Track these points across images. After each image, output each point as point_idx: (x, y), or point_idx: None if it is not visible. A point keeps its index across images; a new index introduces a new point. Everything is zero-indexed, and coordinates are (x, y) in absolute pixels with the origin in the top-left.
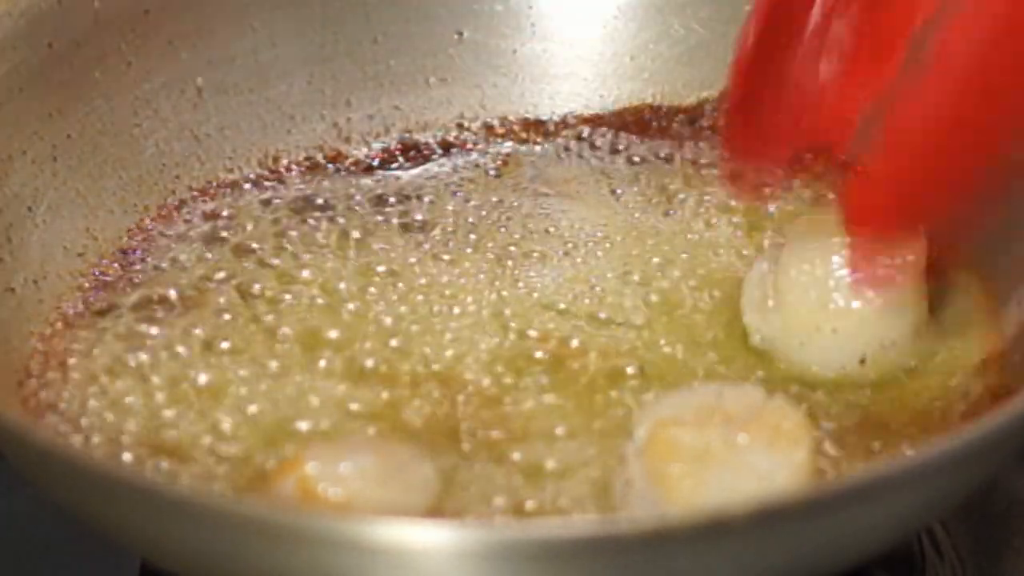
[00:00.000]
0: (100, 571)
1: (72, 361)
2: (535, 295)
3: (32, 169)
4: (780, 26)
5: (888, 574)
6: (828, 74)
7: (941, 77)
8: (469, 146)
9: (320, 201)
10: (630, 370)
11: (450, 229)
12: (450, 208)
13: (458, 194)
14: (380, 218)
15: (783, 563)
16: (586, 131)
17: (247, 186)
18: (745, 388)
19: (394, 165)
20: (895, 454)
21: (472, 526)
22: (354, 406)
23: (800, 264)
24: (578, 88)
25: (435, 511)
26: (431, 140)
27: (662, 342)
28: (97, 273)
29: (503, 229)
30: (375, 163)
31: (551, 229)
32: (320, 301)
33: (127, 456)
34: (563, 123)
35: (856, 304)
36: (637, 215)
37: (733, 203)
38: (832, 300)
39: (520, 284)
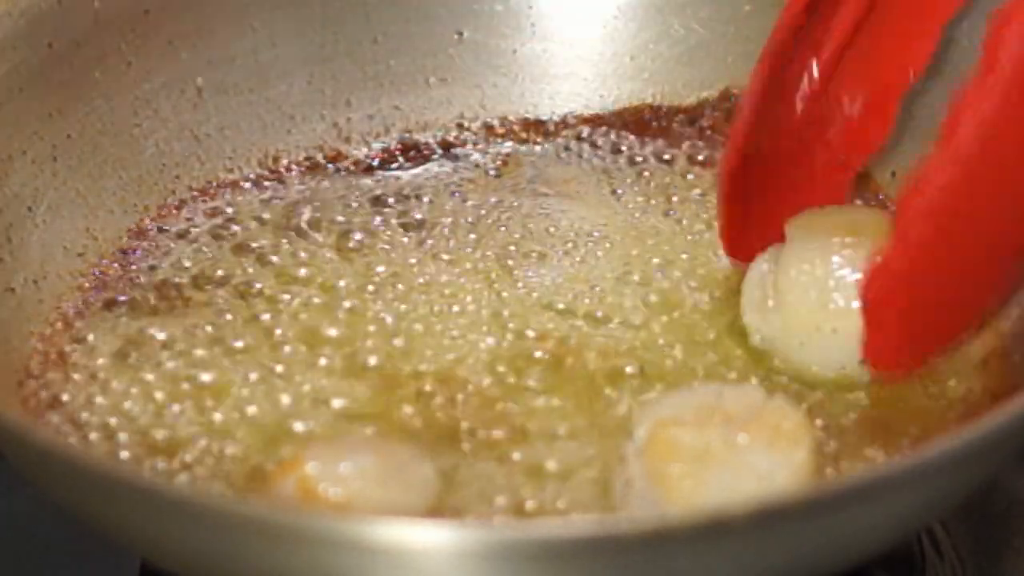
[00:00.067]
0: (100, 571)
1: (72, 361)
2: (535, 295)
3: (32, 169)
4: (773, 104)
5: (888, 574)
6: (821, 143)
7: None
8: (469, 146)
9: (320, 201)
10: (630, 370)
11: (450, 229)
12: (450, 208)
13: (458, 194)
14: (380, 218)
15: (783, 563)
16: (586, 131)
17: (247, 186)
18: (745, 388)
19: (394, 165)
20: (895, 454)
21: (472, 526)
22: (354, 406)
23: (800, 264)
24: (578, 88)
25: (435, 511)
26: (431, 140)
27: (662, 342)
28: (97, 273)
29: (503, 229)
30: (375, 163)
31: (551, 229)
32: (320, 301)
33: (126, 456)
34: (563, 123)
35: (856, 304)
36: (637, 215)
37: None
38: (832, 300)
39: (520, 284)
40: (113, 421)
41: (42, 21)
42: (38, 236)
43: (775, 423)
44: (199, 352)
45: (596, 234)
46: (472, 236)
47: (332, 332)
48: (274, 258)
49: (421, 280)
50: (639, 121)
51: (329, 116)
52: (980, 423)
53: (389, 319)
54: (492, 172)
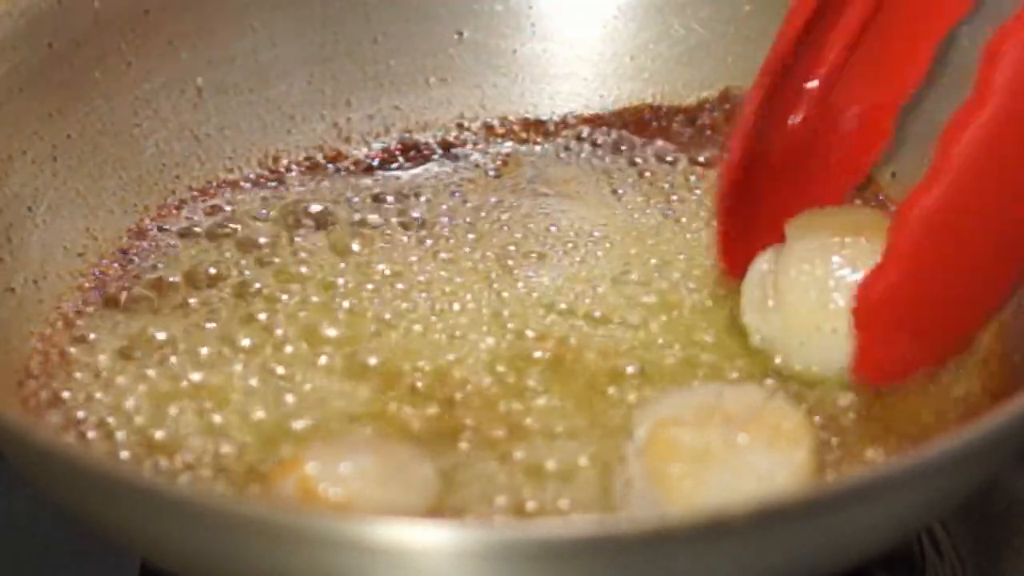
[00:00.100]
0: (100, 571)
1: (72, 361)
2: (535, 295)
3: (32, 169)
4: (772, 117)
5: (888, 574)
6: (821, 153)
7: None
8: (469, 146)
9: (320, 201)
10: (630, 370)
11: (449, 229)
12: (450, 208)
13: (457, 194)
14: (380, 218)
15: (783, 563)
16: (586, 131)
17: (247, 186)
18: (745, 388)
19: (394, 165)
20: (895, 454)
21: (472, 526)
22: (354, 405)
23: (800, 264)
24: (578, 88)
25: (435, 511)
26: (431, 140)
27: (662, 342)
28: (97, 273)
29: (503, 229)
30: (375, 163)
31: (551, 229)
32: (320, 300)
33: (126, 455)
34: (563, 123)
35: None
36: (637, 215)
37: None
38: (832, 300)
39: (520, 284)
40: (113, 421)
41: (42, 21)
42: (38, 236)
43: (775, 423)
44: (199, 352)
45: (596, 234)
46: (472, 236)
47: (332, 332)
48: (274, 258)
49: (421, 280)
50: (639, 121)
51: (329, 116)
52: (980, 423)
53: (389, 319)
54: (492, 172)
